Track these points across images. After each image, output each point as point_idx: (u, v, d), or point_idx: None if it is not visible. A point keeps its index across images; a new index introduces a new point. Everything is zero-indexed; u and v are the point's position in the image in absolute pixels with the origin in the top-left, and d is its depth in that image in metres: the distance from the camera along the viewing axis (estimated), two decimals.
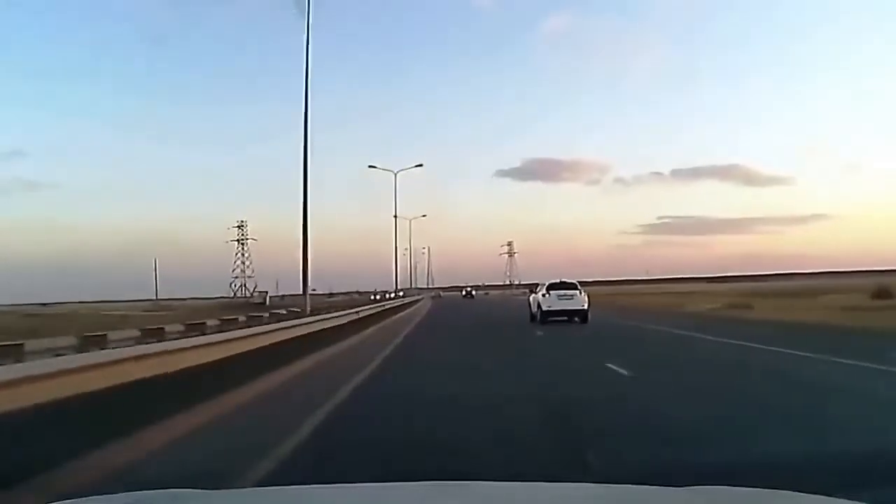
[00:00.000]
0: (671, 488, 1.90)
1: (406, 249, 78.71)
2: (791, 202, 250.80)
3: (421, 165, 52.00)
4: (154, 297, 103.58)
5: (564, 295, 23.24)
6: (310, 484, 2.58)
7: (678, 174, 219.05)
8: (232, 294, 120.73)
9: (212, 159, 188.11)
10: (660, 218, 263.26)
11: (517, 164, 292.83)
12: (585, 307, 23.05)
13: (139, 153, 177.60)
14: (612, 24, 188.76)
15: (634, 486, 2.04)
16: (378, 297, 64.33)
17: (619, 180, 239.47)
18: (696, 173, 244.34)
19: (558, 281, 24.07)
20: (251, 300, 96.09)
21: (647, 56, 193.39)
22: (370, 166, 48.91)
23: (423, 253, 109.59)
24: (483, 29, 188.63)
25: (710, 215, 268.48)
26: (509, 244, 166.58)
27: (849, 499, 1.76)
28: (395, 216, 51.78)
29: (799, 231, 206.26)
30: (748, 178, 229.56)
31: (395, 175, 48.82)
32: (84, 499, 1.92)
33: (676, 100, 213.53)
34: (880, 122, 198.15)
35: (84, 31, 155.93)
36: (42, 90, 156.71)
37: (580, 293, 23.39)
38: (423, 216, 68.17)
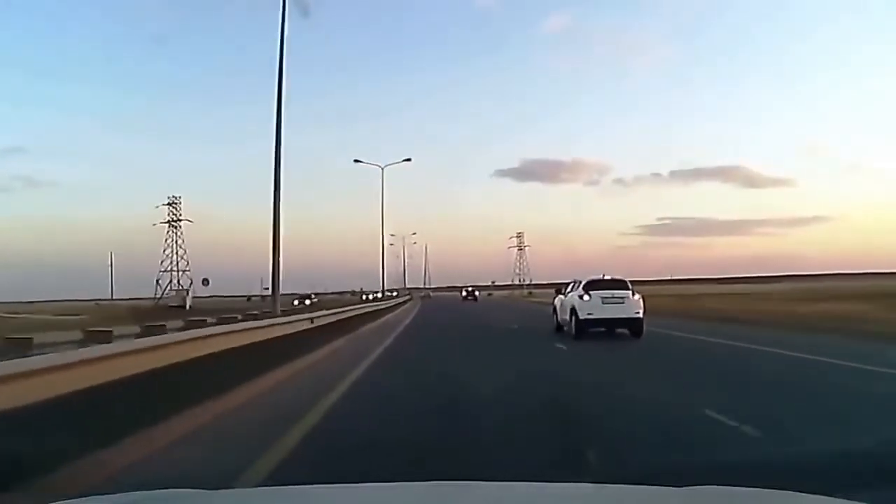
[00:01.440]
0: (670, 488, 1.90)
1: (392, 236, 71.67)
2: (792, 204, 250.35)
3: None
4: (110, 297, 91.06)
5: (612, 297, 16.86)
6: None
7: (678, 175, 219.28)
8: (158, 293, 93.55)
9: (209, 157, 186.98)
10: (659, 219, 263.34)
11: (516, 164, 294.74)
12: (640, 314, 16.84)
13: (135, 151, 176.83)
14: (613, 24, 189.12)
15: (634, 486, 2.04)
16: (312, 300, 49.22)
17: (618, 181, 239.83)
18: (695, 174, 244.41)
19: (602, 277, 17.80)
20: (167, 302, 75.71)
21: (647, 56, 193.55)
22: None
23: (415, 243, 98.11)
24: (483, 28, 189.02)
25: (711, 217, 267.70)
26: (519, 236, 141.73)
27: (848, 499, 1.76)
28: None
29: (800, 233, 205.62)
30: (748, 179, 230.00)
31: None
32: (84, 499, 1.92)
33: (676, 100, 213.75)
34: (880, 122, 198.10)
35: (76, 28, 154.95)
36: (38, 87, 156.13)
37: (632, 295, 16.97)
38: (407, 160, 48.41)
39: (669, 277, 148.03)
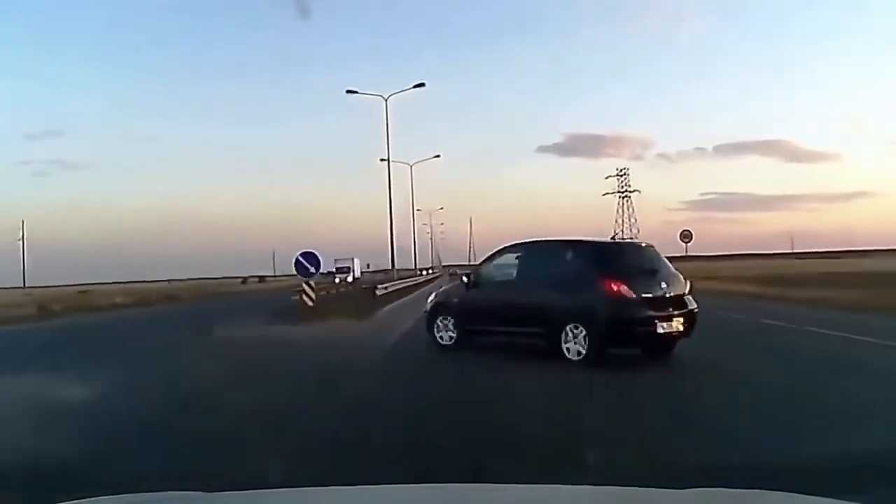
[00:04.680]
0: (670, 490, 1.88)
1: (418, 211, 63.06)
2: (836, 178, 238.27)
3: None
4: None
5: None
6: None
7: (721, 149, 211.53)
8: None
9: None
10: (703, 194, 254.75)
11: (559, 139, 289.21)
12: None
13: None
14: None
15: (633, 488, 2.02)
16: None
17: (662, 155, 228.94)
18: (739, 149, 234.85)
19: None
20: None
21: (690, 29, 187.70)
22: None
23: (441, 209, 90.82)
24: (524, 1, 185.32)
25: (754, 192, 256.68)
26: (621, 174, 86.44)
27: (848, 500, 1.70)
28: None
29: (845, 208, 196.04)
30: (792, 153, 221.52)
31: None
32: (89, 499, 1.98)
33: (719, 73, 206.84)
34: None
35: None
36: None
37: None
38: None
39: (725, 253, 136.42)
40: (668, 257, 10.14)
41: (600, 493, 2.04)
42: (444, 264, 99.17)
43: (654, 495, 1.93)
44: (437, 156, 53.21)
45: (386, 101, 35.86)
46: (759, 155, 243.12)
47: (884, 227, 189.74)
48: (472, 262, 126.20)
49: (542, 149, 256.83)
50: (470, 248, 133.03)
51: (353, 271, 62.08)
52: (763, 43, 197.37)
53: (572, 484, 2.25)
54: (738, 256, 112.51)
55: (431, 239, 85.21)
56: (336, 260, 60.56)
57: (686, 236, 32.23)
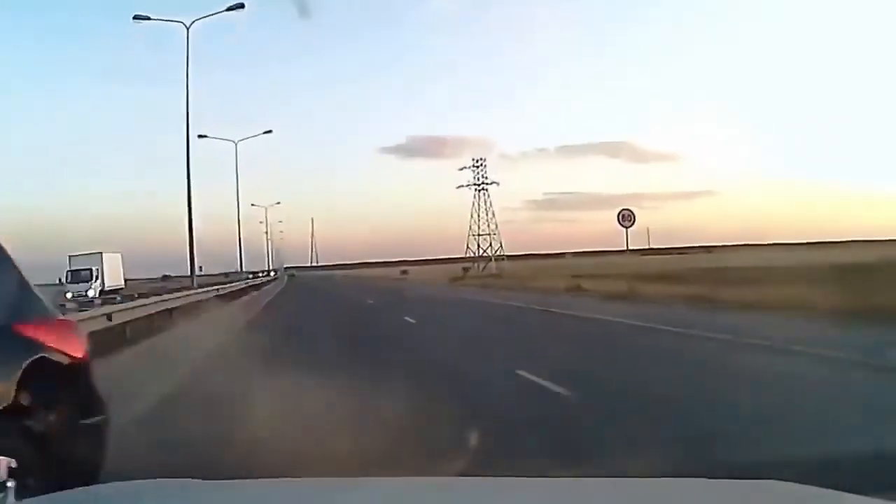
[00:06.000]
0: (679, 479, 1.89)
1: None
2: (678, 179, 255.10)
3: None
4: None
5: None
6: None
7: (564, 150, 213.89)
8: None
9: None
10: (546, 194, 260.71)
11: (402, 140, 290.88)
12: None
13: None
14: (502, 2, 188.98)
15: (624, 478, 2.05)
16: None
17: (504, 157, 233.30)
18: (583, 150, 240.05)
19: None
20: None
21: (535, 34, 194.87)
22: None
23: (279, 204, 75.63)
24: (369, 3, 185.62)
25: (598, 191, 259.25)
26: (477, 165, 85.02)
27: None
28: None
29: (688, 206, 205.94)
30: (636, 155, 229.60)
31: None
32: (84, 488, 1.84)
33: (564, 77, 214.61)
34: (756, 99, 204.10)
35: None
36: None
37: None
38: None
39: (546, 252, 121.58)
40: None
41: (604, 484, 2.00)
42: (285, 266, 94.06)
43: (662, 484, 1.87)
44: (269, 131, 44.11)
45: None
46: (603, 156, 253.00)
47: (727, 223, 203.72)
48: (314, 264, 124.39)
49: (385, 150, 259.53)
50: (312, 249, 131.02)
51: (101, 278, 37.37)
52: (605, 48, 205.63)
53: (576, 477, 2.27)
54: (594, 253, 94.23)
55: (268, 237, 76.28)
56: (71, 257, 38.11)
57: (626, 218, 23.89)
